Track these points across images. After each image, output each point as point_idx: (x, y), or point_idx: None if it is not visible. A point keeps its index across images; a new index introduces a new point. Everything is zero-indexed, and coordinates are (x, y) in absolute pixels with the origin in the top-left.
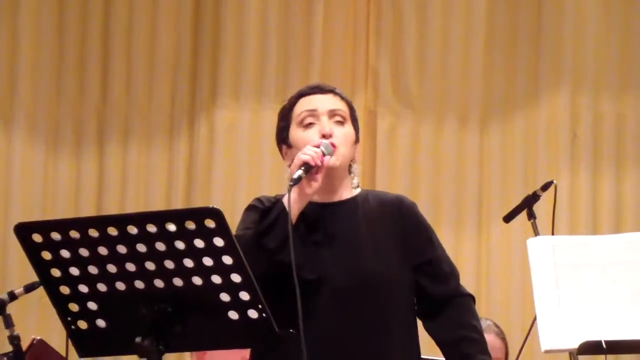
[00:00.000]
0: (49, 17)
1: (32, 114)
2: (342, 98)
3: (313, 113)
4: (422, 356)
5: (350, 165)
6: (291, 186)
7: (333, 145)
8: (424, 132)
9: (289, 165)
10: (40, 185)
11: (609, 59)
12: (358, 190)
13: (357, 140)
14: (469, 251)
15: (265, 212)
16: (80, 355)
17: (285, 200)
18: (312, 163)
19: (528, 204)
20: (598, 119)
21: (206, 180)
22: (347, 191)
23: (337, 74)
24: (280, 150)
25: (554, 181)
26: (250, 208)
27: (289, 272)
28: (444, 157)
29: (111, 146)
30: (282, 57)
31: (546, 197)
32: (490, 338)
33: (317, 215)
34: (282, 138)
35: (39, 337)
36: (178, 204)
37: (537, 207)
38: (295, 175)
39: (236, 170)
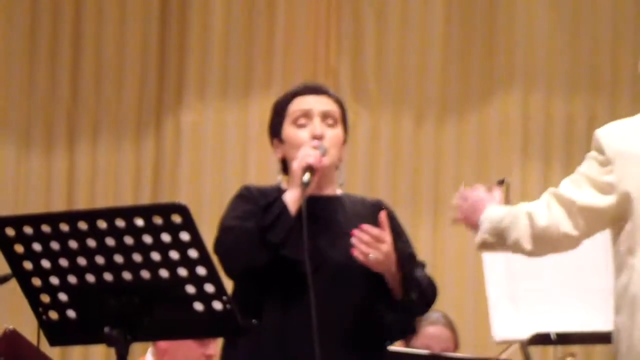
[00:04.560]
0: (21, 18)
1: (4, 113)
2: (336, 100)
3: (307, 113)
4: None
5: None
6: (304, 189)
7: None
8: (382, 131)
9: (279, 157)
10: (13, 182)
11: (559, 60)
12: (339, 192)
13: (345, 141)
14: (424, 244)
15: (265, 207)
16: (51, 345)
17: (285, 196)
18: (317, 166)
19: None
20: (549, 118)
21: (172, 177)
22: (332, 188)
23: (298, 75)
24: (271, 142)
25: (506, 179)
26: (239, 197)
27: (288, 266)
28: (401, 155)
29: (81, 144)
30: (246, 60)
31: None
32: (439, 329)
33: (309, 206)
34: (275, 132)
35: (11, 327)
36: (145, 199)
37: None
38: (305, 179)
39: (201, 168)
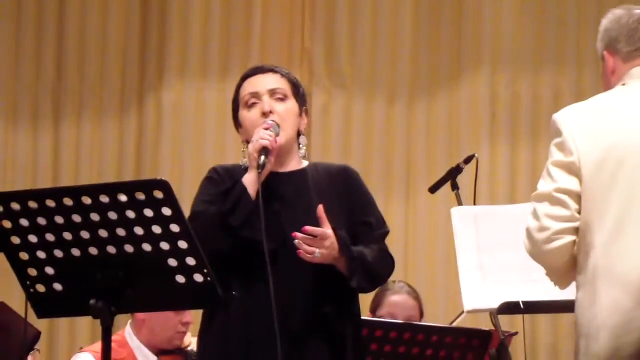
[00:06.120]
0: (6, 1)
1: None
2: (283, 75)
3: (255, 94)
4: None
5: (298, 136)
6: (260, 172)
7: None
8: (355, 110)
9: (243, 140)
10: (0, 160)
11: (524, 40)
12: (306, 163)
13: (303, 112)
14: (397, 219)
15: (226, 192)
16: (39, 316)
17: (244, 179)
18: (271, 147)
19: (452, 175)
20: (515, 96)
21: (154, 154)
22: (296, 161)
23: (274, 56)
24: (236, 128)
25: (475, 154)
26: (207, 180)
27: (251, 246)
28: (374, 133)
29: (66, 122)
30: (225, 41)
31: (468, 169)
32: (403, 297)
33: (271, 184)
34: (234, 118)
35: (0, 300)
36: (128, 176)
37: (460, 179)
38: (261, 162)
39: (182, 145)
